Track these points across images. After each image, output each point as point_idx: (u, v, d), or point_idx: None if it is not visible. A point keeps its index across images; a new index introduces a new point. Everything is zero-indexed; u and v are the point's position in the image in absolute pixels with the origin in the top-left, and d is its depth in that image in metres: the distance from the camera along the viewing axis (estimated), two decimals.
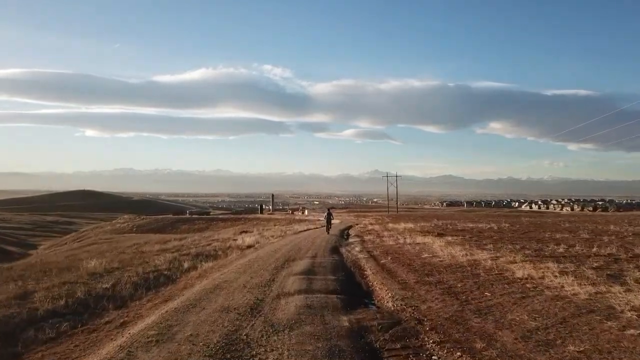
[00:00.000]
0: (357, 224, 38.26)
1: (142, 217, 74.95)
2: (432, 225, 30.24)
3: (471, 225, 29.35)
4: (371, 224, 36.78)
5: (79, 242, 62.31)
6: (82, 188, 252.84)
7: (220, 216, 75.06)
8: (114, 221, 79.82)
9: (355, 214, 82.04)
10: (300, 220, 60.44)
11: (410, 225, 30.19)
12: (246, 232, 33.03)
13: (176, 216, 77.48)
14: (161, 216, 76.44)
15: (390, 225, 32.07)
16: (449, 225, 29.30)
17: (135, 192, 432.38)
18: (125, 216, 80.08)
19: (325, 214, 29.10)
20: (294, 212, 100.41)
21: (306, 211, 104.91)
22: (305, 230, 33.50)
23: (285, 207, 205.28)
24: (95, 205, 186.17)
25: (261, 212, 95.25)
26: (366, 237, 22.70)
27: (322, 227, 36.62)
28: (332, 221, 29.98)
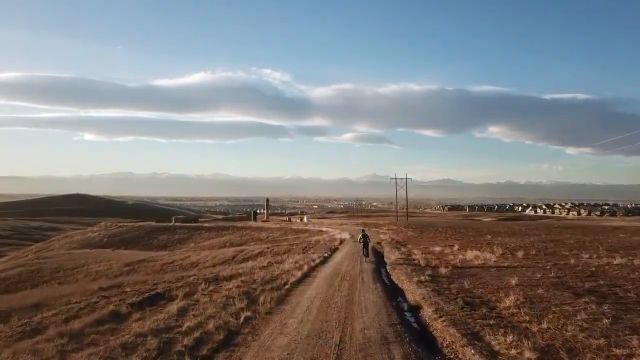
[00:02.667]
0: (379, 243, 28.76)
1: (118, 225, 66.52)
2: (509, 253, 20.19)
3: (585, 256, 18.74)
4: (399, 242, 27.78)
5: (38, 254, 54.23)
6: (80, 192, 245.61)
7: (206, 225, 66.32)
8: (88, 229, 71.61)
9: (361, 220, 73.62)
10: (299, 231, 51.53)
11: (486, 254, 19.56)
12: (170, 293, 14.27)
13: (157, 224, 68.89)
14: (138, 224, 67.76)
15: (437, 249, 22.69)
16: (543, 254, 19.70)
17: (133, 196, 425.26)
18: (102, 224, 71.81)
19: (360, 235, 21.58)
20: (291, 219, 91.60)
21: (305, 217, 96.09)
22: (303, 270, 16.80)
23: (284, 212, 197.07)
24: (87, 210, 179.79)
25: (254, 219, 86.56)
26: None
27: (330, 249, 27.78)
28: (341, 236, 21.91)
